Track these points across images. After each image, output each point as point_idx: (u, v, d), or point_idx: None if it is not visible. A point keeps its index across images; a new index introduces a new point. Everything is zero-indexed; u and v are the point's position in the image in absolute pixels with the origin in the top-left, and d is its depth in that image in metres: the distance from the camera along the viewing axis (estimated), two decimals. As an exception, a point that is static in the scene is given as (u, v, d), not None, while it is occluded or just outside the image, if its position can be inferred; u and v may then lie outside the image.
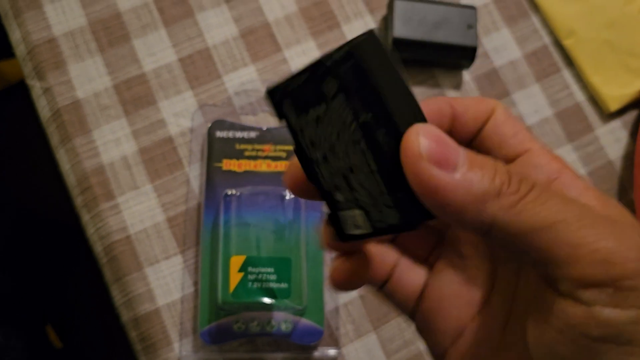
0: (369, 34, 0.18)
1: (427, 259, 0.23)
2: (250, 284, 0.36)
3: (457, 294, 0.21)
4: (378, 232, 0.19)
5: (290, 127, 0.19)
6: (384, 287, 0.23)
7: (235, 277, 0.36)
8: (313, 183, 0.20)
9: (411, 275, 0.22)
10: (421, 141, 0.17)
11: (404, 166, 0.17)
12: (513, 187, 0.17)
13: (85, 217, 0.40)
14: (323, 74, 0.18)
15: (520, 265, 0.21)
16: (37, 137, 0.44)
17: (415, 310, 0.22)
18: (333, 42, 0.43)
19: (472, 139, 0.21)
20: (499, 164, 0.17)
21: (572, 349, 0.16)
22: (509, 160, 0.21)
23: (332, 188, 0.19)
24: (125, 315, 0.39)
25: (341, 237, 0.20)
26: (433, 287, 0.22)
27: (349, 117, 0.18)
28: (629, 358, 0.15)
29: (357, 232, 0.19)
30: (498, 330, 0.20)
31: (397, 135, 0.18)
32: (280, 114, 0.20)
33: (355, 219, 0.19)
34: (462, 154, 0.17)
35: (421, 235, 0.23)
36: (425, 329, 0.22)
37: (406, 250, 0.23)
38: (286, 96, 0.19)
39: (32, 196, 0.61)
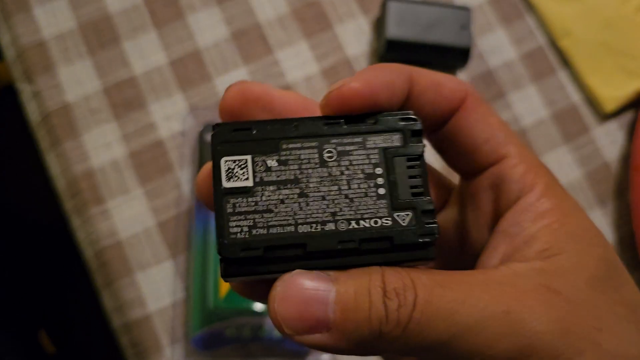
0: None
1: None
2: (241, 289, 0.36)
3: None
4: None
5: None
6: None
7: (226, 283, 0.36)
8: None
9: None
10: (278, 310, 0.15)
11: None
12: (391, 322, 0.15)
13: (76, 222, 0.39)
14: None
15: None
16: (24, 143, 0.44)
17: None
18: (325, 43, 0.42)
19: (435, 129, 0.19)
20: (373, 284, 0.15)
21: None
22: (479, 169, 0.19)
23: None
24: (116, 321, 0.38)
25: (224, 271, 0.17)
26: None
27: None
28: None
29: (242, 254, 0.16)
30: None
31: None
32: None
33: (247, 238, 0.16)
34: (330, 303, 0.15)
35: None
36: None
37: None
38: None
39: (19, 201, 0.61)
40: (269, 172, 0.17)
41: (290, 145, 0.17)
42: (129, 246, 0.38)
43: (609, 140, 0.43)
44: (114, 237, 0.38)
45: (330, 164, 0.17)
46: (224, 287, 0.36)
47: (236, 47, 0.42)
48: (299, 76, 0.42)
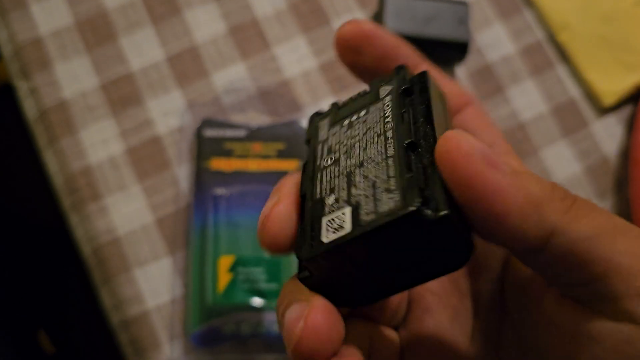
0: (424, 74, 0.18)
1: (396, 328, 0.20)
2: (240, 284, 0.36)
3: (437, 353, 0.19)
4: (360, 235, 0.15)
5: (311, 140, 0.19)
6: None
7: (224, 278, 0.36)
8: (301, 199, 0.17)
9: (386, 345, 0.20)
10: (469, 139, 0.14)
11: (448, 168, 0.14)
12: (559, 192, 0.15)
13: (74, 219, 0.39)
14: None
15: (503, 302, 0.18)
16: (19, 141, 0.43)
17: None
18: (323, 38, 0.42)
19: None
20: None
21: None
22: None
23: (326, 192, 0.17)
24: (114, 318, 0.38)
25: (303, 254, 0.16)
26: (411, 353, 0.19)
27: (385, 118, 0.17)
28: None
29: (334, 237, 0.15)
30: None
31: (433, 140, 0.16)
32: (310, 131, 0.20)
33: (339, 219, 0.16)
34: (504, 158, 0.15)
35: (383, 306, 0.20)
36: None
37: (375, 322, 0.20)
38: (327, 115, 0.20)
39: (17, 200, 0.61)
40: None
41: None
42: (127, 243, 0.38)
43: (608, 134, 0.43)
44: (112, 234, 0.38)
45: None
46: (222, 282, 0.36)
47: (234, 42, 0.42)
48: (297, 71, 0.42)
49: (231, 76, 0.41)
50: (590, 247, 0.14)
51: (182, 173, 0.39)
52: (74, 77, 0.40)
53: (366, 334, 0.19)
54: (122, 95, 0.40)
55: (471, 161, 0.14)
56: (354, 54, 0.21)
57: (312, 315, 0.16)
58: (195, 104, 0.40)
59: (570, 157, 0.43)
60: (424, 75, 0.18)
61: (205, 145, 0.39)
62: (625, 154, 0.43)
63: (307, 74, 0.42)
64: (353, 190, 0.16)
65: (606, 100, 0.43)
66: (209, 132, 0.39)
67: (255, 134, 0.39)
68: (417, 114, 0.17)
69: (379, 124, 0.17)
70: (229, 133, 0.39)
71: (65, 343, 0.60)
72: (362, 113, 0.18)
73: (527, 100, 0.43)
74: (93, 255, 0.39)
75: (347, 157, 0.17)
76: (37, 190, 0.45)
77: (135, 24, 0.42)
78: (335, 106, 0.20)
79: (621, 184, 0.42)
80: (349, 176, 0.16)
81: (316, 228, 0.16)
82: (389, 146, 0.16)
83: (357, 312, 0.19)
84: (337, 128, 0.19)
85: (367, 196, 0.15)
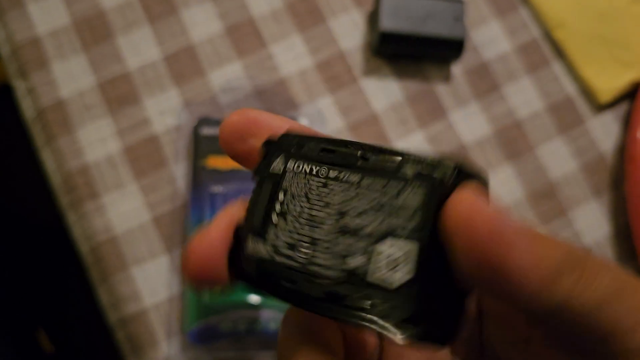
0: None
1: None
2: (236, 282, 0.36)
3: None
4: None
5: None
6: None
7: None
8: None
9: None
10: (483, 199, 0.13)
11: (464, 235, 0.13)
12: (572, 259, 0.14)
13: (72, 218, 0.39)
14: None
15: None
16: (19, 141, 0.44)
17: None
18: (319, 37, 0.43)
19: None
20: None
21: None
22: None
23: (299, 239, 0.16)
24: (112, 316, 0.38)
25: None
26: None
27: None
28: None
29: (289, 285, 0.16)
30: None
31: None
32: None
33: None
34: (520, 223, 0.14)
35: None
36: None
37: None
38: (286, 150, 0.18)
39: (15, 200, 0.61)
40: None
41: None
42: (125, 241, 0.38)
43: (604, 131, 0.43)
44: (109, 233, 0.38)
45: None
46: (219, 280, 0.36)
47: (230, 41, 0.42)
48: (293, 70, 0.42)
49: (228, 75, 0.41)
50: (596, 314, 0.14)
51: (179, 171, 0.39)
52: (71, 77, 0.41)
53: None
54: (119, 94, 0.41)
55: (493, 224, 0.13)
56: (239, 142, 0.18)
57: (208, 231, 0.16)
58: (192, 103, 0.40)
59: (567, 154, 0.43)
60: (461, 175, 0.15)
61: (202, 144, 0.39)
62: (622, 151, 0.43)
63: (304, 73, 0.42)
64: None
65: (602, 97, 0.43)
66: (206, 131, 0.39)
67: (251, 132, 0.39)
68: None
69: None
70: (226, 131, 0.39)
71: (64, 342, 0.60)
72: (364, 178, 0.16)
73: (523, 97, 0.43)
74: (91, 254, 0.39)
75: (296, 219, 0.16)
76: (36, 190, 0.45)
77: (133, 23, 0.42)
78: (295, 140, 0.17)
79: (617, 181, 0.43)
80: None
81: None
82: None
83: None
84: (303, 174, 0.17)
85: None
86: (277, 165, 0.17)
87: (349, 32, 0.43)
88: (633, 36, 0.44)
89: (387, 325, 0.14)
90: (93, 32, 0.41)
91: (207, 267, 0.16)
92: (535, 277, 0.14)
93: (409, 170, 0.15)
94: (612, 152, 0.43)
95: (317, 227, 0.16)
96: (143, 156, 0.40)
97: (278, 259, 0.16)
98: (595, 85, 0.43)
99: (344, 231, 0.15)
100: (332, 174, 0.16)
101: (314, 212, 0.16)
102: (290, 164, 0.17)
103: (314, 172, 0.16)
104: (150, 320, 0.37)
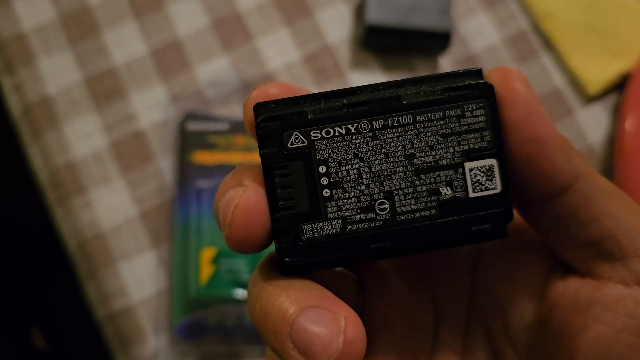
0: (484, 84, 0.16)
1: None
2: (222, 276, 0.36)
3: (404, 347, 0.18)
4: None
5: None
6: None
7: (207, 270, 0.36)
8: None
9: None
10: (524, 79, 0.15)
11: (513, 104, 0.15)
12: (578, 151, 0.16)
13: (59, 214, 0.39)
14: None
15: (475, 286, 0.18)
16: (2, 138, 0.44)
17: None
18: (306, 30, 0.42)
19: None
20: None
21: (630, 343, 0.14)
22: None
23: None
24: (100, 311, 0.38)
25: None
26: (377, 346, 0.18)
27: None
28: None
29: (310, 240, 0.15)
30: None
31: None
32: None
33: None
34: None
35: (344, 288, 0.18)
36: None
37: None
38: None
39: (2, 199, 0.61)
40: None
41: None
42: (112, 236, 0.38)
43: (594, 122, 0.43)
44: (96, 228, 0.38)
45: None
46: (205, 274, 0.36)
47: (217, 35, 0.42)
48: (280, 64, 0.42)
49: (214, 69, 0.41)
50: (605, 201, 0.15)
51: (166, 166, 0.39)
52: (57, 72, 0.41)
53: None
54: (106, 89, 0.41)
55: (533, 102, 0.15)
56: None
57: (246, 195, 0.15)
58: (179, 98, 0.40)
59: (556, 146, 0.43)
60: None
61: (188, 139, 0.39)
62: (611, 142, 0.43)
63: (291, 66, 0.42)
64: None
65: (591, 88, 0.43)
66: (192, 126, 0.39)
67: (238, 127, 0.39)
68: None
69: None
70: (212, 126, 0.39)
71: (57, 339, 0.60)
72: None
73: (512, 89, 0.43)
74: (78, 249, 0.39)
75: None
76: (24, 188, 0.45)
77: (119, 18, 0.42)
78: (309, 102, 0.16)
79: (607, 172, 0.42)
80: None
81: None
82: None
83: None
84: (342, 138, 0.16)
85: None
86: (296, 140, 0.15)
87: (336, 25, 0.43)
88: (621, 26, 0.43)
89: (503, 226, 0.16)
90: (79, 28, 0.41)
91: (256, 233, 0.15)
92: (557, 142, 0.15)
93: (454, 92, 0.15)
94: (601, 143, 0.43)
95: (387, 180, 0.15)
96: (130, 151, 0.40)
97: (352, 227, 0.15)
98: (585, 76, 0.43)
99: (421, 171, 0.15)
100: (378, 124, 0.15)
101: (375, 168, 0.15)
102: (315, 133, 0.15)
103: (354, 130, 0.15)
104: (138, 315, 0.37)
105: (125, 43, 0.41)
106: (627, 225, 0.15)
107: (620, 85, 0.44)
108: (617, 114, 0.43)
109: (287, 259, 0.16)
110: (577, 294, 0.15)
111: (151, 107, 0.40)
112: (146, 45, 0.41)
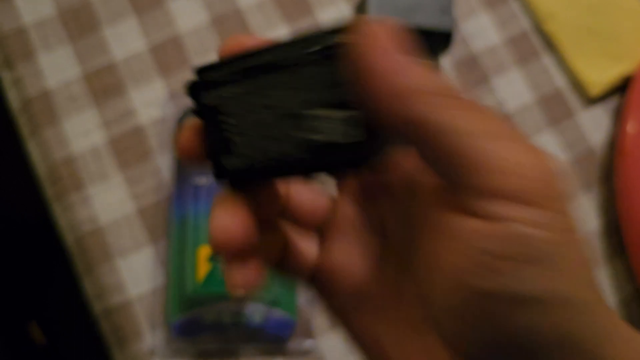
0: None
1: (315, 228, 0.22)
2: (219, 274, 0.36)
3: (351, 260, 0.20)
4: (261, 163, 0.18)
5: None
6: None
7: (204, 268, 0.36)
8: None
9: (303, 245, 0.21)
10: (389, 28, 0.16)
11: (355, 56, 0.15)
12: (448, 91, 0.15)
13: (57, 209, 0.39)
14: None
15: (408, 209, 0.19)
16: (7, 132, 0.44)
17: (312, 278, 0.21)
18: (306, 28, 0.42)
19: None
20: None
21: (476, 271, 0.15)
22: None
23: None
24: (97, 307, 0.38)
25: (217, 172, 0.19)
26: (326, 256, 0.21)
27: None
28: (546, 277, 0.14)
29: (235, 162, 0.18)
30: (393, 285, 0.19)
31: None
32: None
33: (240, 146, 0.18)
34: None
35: (306, 201, 0.21)
36: (326, 295, 0.21)
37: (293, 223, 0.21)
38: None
39: (2, 195, 0.61)
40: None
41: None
42: (110, 232, 0.38)
43: (594, 125, 0.43)
44: (94, 223, 0.38)
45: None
46: (202, 272, 0.36)
47: (216, 32, 0.42)
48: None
49: (214, 66, 0.41)
50: (462, 141, 0.15)
51: (164, 163, 0.39)
52: (57, 67, 0.41)
53: (281, 242, 0.21)
54: (105, 85, 0.40)
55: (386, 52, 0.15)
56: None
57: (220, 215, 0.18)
58: (178, 95, 0.40)
59: (557, 147, 0.42)
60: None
61: (187, 135, 0.39)
62: (612, 144, 0.43)
63: (291, 64, 0.42)
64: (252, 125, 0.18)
65: (592, 90, 0.43)
66: (191, 122, 0.39)
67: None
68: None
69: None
70: (211, 123, 0.39)
71: (55, 334, 0.60)
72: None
73: (513, 90, 0.43)
74: (76, 245, 0.39)
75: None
76: (22, 183, 0.45)
77: (118, 14, 0.41)
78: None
79: (607, 175, 0.42)
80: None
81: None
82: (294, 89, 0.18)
83: (277, 212, 0.21)
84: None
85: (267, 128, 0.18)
86: (209, 99, 0.19)
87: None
88: (623, 29, 0.43)
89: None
90: (79, 23, 0.41)
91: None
92: (388, 89, 0.15)
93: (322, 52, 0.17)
94: (601, 146, 0.43)
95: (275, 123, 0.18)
96: (128, 147, 0.40)
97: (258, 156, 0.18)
98: (586, 78, 0.43)
99: (291, 115, 0.18)
100: (263, 81, 0.18)
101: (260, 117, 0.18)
102: (223, 92, 0.18)
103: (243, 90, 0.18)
104: (134, 311, 0.37)
105: (125, 39, 0.41)
106: (483, 164, 0.15)
107: (621, 88, 0.43)
108: (619, 116, 0.42)
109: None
110: (440, 221, 0.16)
111: (150, 104, 0.40)
112: (146, 41, 0.41)
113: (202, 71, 0.19)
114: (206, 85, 0.19)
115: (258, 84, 0.18)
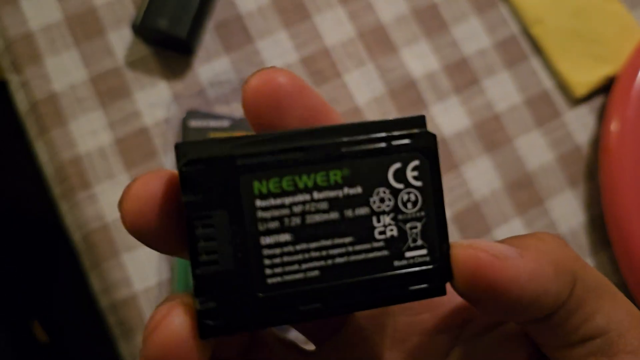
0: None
1: None
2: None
3: None
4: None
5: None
6: None
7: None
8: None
9: None
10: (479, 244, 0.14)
11: (467, 279, 0.14)
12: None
13: (64, 207, 0.41)
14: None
15: None
16: (11, 134, 0.45)
17: None
18: (304, 33, 0.44)
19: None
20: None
21: None
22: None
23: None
24: (103, 301, 0.40)
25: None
26: None
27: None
28: None
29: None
30: None
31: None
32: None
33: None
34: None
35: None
36: None
37: None
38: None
39: (8, 192, 0.62)
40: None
41: None
42: (116, 229, 0.40)
43: (580, 124, 0.45)
44: (100, 221, 0.40)
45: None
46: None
47: (217, 36, 0.43)
48: (279, 65, 0.43)
49: (216, 69, 0.43)
50: (597, 299, 0.14)
51: (168, 162, 0.41)
52: (63, 71, 0.42)
53: None
54: (110, 87, 0.42)
55: (482, 266, 0.14)
56: (273, 112, 0.15)
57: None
58: (181, 96, 0.42)
59: (544, 146, 0.44)
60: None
61: (190, 136, 0.40)
62: (597, 142, 0.45)
63: (289, 67, 0.43)
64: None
65: (578, 91, 0.44)
66: (194, 123, 0.40)
67: (238, 124, 0.41)
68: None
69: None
70: (213, 123, 0.41)
71: (58, 331, 0.61)
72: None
73: (502, 91, 0.45)
74: (83, 241, 0.40)
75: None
76: (30, 182, 0.46)
77: (122, 19, 0.43)
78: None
79: (593, 172, 0.44)
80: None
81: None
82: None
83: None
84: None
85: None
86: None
87: (334, 28, 0.44)
88: (607, 32, 0.45)
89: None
90: (84, 28, 0.43)
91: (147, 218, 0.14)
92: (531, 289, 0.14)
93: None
94: (587, 144, 0.45)
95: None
96: (133, 147, 0.41)
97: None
98: (571, 79, 0.45)
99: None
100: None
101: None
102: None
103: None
104: (140, 304, 0.39)
105: (130, 43, 0.43)
106: (617, 321, 0.15)
107: (606, 88, 0.45)
108: (603, 115, 0.44)
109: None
110: None
111: (154, 105, 0.42)
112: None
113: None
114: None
115: None
